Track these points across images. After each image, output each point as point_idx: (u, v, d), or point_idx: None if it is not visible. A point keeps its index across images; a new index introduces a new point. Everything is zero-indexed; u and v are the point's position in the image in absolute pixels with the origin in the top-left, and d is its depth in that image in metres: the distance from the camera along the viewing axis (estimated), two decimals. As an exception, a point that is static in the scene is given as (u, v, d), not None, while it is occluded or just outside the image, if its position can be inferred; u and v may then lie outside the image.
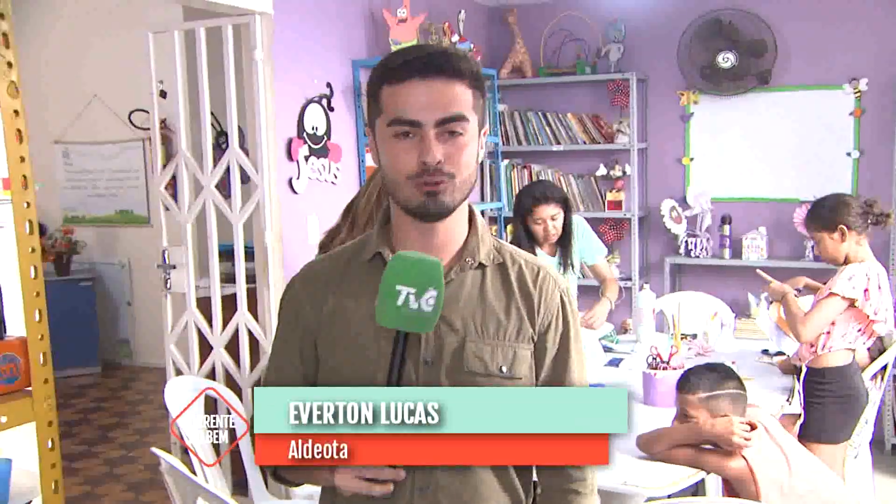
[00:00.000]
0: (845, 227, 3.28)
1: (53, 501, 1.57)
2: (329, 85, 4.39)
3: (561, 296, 1.55)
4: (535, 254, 3.91)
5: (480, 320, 1.46)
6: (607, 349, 4.06)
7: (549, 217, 3.80)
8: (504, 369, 1.46)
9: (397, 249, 1.47)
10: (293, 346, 1.54)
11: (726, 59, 5.17)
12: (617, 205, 5.63)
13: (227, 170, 3.97)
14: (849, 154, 5.13)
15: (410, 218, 1.45)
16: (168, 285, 4.20)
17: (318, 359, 1.52)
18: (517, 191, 5.69)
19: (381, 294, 1.31)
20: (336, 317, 1.49)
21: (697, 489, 2.81)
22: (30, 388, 1.62)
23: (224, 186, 4.06)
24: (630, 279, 5.62)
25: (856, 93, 5.07)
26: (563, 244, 3.94)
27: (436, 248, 1.47)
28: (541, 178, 5.74)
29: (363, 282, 1.49)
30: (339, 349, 1.48)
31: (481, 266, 1.50)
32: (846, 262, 3.31)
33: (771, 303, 3.78)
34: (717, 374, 2.68)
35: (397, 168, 1.39)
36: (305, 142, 4.22)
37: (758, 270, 3.61)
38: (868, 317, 3.26)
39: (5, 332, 1.65)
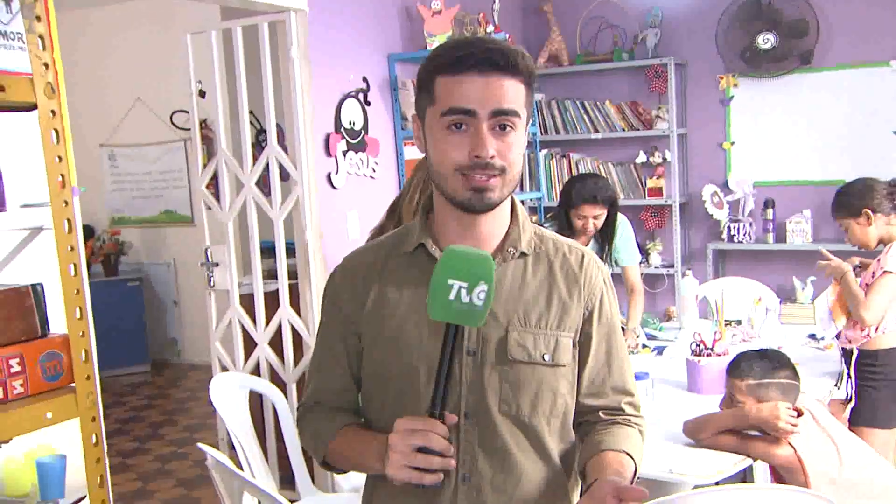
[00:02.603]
0: (870, 211, 3.23)
1: (99, 496, 1.60)
2: (365, 79, 4.40)
3: (604, 280, 1.56)
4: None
5: (523, 310, 1.47)
6: (651, 337, 4.03)
7: (592, 216, 3.80)
8: (546, 357, 1.46)
9: (440, 240, 1.48)
10: (336, 340, 1.55)
11: (766, 41, 5.08)
12: (657, 192, 5.57)
13: (267, 167, 4.00)
14: (895, 133, 5.02)
15: (455, 209, 1.44)
16: (211, 283, 4.25)
17: (360, 352, 1.53)
18: (556, 180, 5.68)
19: (432, 288, 1.30)
20: (379, 309, 1.49)
21: (745, 477, 2.77)
22: (73, 385, 1.65)
23: (265, 184, 4.09)
24: (672, 266, 5.56)
25: (901, 70, 4.96)
26: (602, 239, 3.93)
27: (479, 238, 1.47)
28: (580, 166, 5.71)
29: (406, 273, 1.49)
30: (383, 341, 1.48)
31: (523, 255, 1.51)
32: (881, 243, 3.25)
33: (815, 292, 3.71)
34: (768, 363, 2.63)
35: (447, 159, 1.39)
36: (343, 136, 4.24)
37: (822, 250, 3.54)
38: None
39: (49, 329, 1.68)
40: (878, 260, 3.25)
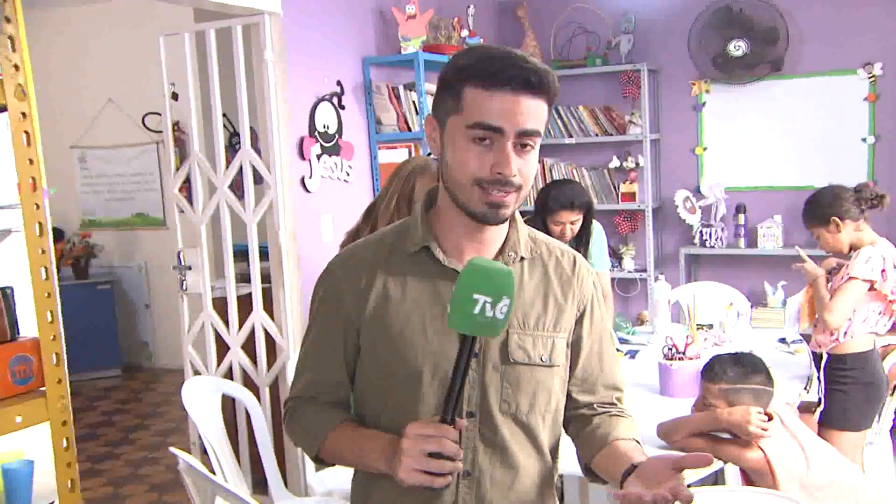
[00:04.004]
0: (838, 219, 3.28)
1: (70, 501, 1.58)
2: (339, 83, 4.40)
3: (593, 282, 1.62)
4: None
5: (522, 313, 1.50)
6: (623, 341, 4.06)
7: (569, 221, 3.81)
8: (544, 358, 1.51)
9: (444, 242, 1.50)
10: (334, 333, 1.54)
11: (738, 48, 5.14)
12: (630, 196, 5.61)
13: (240, 170, 3.99)
14: (864, 140, 5.09)
15: (463, 215, 1.45)
16: (184, 286, 4.22)
17: (358, 348, 1.53)
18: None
19: (456, 301, 1.30)
20: (382, 308, 1.49)
21: (717, 480, 2.80)
22: (43, 389, 1.63)
23: (238, 187, 4.07)
24: (645, 270, 5.60)
25: (870, 77, 5.03)
26: (577, 245, 3.95)
27: (483, 243, 1.50)
28: (553, 171, 5.73)
29: (410, 272, 1.50)
30: (386, 341, 1.48)
31: (521, 259, 1.54)
32: (852, 249, 3.30)
33: (786, 297, 3.75)
34: (742, 368, 2.65)
35: (468, 170, 1.39)
36: (317, 140, 4.23)
37: (797, 248, 3.58)
38: (887, 297, 3.24)
39: (18, 333, 1.67)
40: (847, 265, 3.29)
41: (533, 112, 1.38)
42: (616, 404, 1.63)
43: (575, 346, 1.59)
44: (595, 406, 1.61)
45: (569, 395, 1.61)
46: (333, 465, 1.59)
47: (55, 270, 1.56)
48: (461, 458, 1.34)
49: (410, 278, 1.50)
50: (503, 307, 1.30)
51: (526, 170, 1.40)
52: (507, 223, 1.53)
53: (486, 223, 1.45)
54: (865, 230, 3.32)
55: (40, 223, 1.49)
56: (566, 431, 1.64)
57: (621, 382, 1.66)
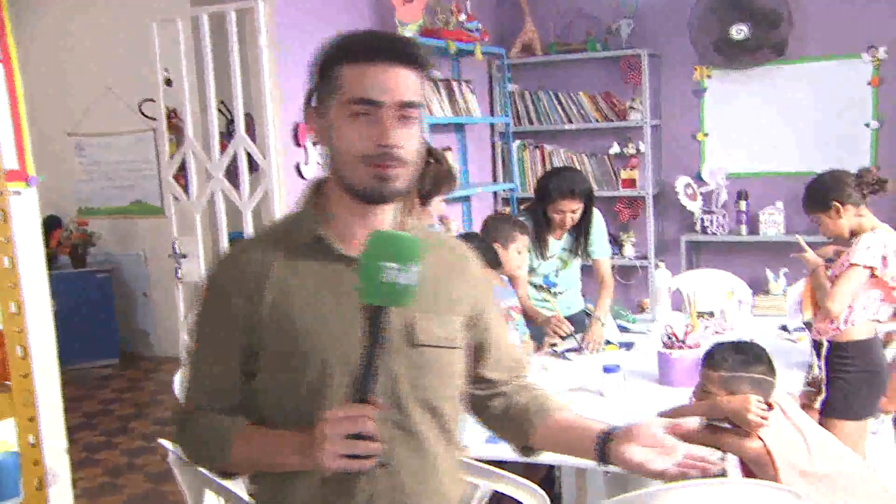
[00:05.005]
0: (839, 204, 3.24)
1: (37, 499, 1.53)
2: (336, 69, 4.34)
3: (481, 268, 1.68)
4: (544, 237, 3.89)
5: (422, 296, 1.45)
6: (623, 329, 4.01)
7: (570, 210, 3.79)
8: (446, 339, 1.52)
9: (335, 231, 1.48)
10: (225, 337, 1.48)
11: (740, 31, 5.07)
12: (631, 183, 5.56)
13: (236, 157, 3.94)
14: (867, 125, 5.03)
15: (354, 199, 1.45)
16: (179, 275, 4.18)
17: (254, 349, 1.47)
18: (529, 171, 5.65)
19: (363, 272, 1.30)
20: (281, 305, 1.45)
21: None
22: (9, 383, 1.57)
23: (234, 174, 4.03)
24: (646, 258, 5.55)
25: (874, 61, 4.97)
26: (578, 233, 3.93)
27: (376, 227, 1.47)
28: (553, 157, 5.68)
29: (305, 266, 1.47)
30: (290, 338, 1.44)
31: None
32: (853, 234, 3.26)
33: (788, 284, 3.71)
34: (743, 356, 2.60)
35: (352, 147, 1.40)
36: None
37: (797, 237, 3.54)
38: (888, 284, 3.20)
39: (-14, 326, 1.61)
40: (847, 252, 3.25)
41: (408, 83, 1.41)
42: (525, 377, 1.72)
43: (479, 327, 1.62)
44: (510, 382, 1.69)
45: (482, 378, 1.66)
46: (236, 474, 1.54)
47: (27, 259, 1.51)
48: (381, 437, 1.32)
49: (306, 271, 1.47)
50: (412, 273, 1.30)
51: (410, 142, 1.41)
52: (399, 212, 1.52)
53: (375, 200, 1.44)
54: (867, 216, 3.28)
55: (3, 211, 1.44)
56: (479, 416, 1.70)
57: (523, 358, 1.77)
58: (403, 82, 1.40)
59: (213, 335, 1.51)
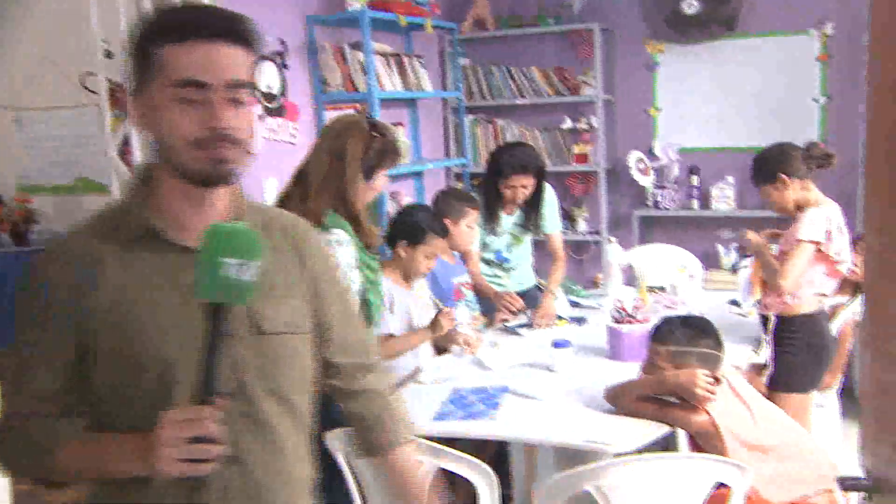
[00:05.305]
0: (786, 176, 3.25)
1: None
2: (283, 41, 4.25)
3: (321, 245, 1.63)
4: (496, 212, 3.86)
5: (265, 280, 1.38)
6: (574, 304, 4.01)
7: (521, 185, 3.78)
8: (293, 325, 1.47)
9: (167, 220, 1.39)
10: (52, 338, 1.37)
11: (691, 6, 5.05)
12: (583, 158, 5.55)
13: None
14: (816, 100, 5.06)
15: (185, 184, 1.36)
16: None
17: (85, 350, 1.37)
18: (482, 146, 5.61)
19: (203, 267, 1.24)
20: (117, 302, 1.35)
21: (668, 444, 2.76)
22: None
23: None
24: (599, 233, 5.55)
25: (822, 37, 4.99)
26: (530, 209, 3.91)
27: (210, 213, 1.41)
28: (506, 132, 5.65)
29: (138, 258, 1.38)
30: (126, 336, 1.35)
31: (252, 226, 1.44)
32: (798, 208, 3.27)
33: (744, 255, 3.73)
34: (690, 331, 2.61)
35: (179, 133, 1.31)
36: (259, 101, 4.08)
37: (742, 232, 3.55)
38: (831, 259, 3.22)
39: None
40: (792, 228, 3.26)
41: (235, 61, 1.32)
42: (375, 366, 1.69)
43: (322, 308, 1.56)
44: (359, 374, 1.66)
45: (329, 363, 1.62)
46: (65, 484, 1.48)
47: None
48: (225, 439, 1.26)
49: (141, 263, 1.38)
50: (253, 268, 1.25)
51: (242, 123, 1.34)
52: (231, 195, 1.44)
53: (211, 184, 1.36)
54: (812, 190, 3.30)
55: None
56: (338, 400, 1.67)
57: (371, 339, 1.71)
58: (231, 61, 1.31)
59: (37, 335, 1.39)
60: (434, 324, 3.15)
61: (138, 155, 4.00)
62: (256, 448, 1.42)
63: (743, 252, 3.68)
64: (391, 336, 3.12)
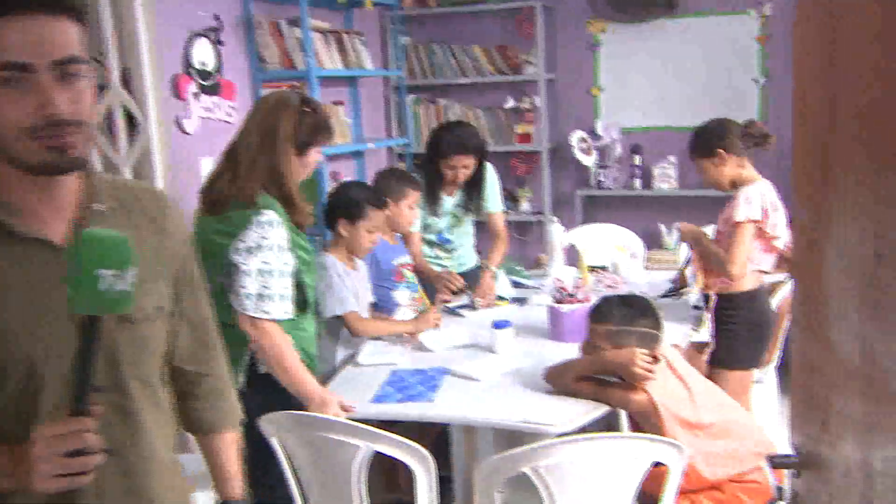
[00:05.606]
0: (723, 151, 3.26)
1: None
2: (217, 17, 4.13)
3: (183, 223, 1.54)
4: (437, 193, 3.82)
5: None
6: (517, 284, 3.99)
7: (462, 166, 3.74)
8: (155, 308, 1.41)
9: (14, 210, 1.27)
10: None
11: (632, -16, 5.05)
12: (526, 138, 5.53)
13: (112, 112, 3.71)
14: (755, 80, 5.10)
15: (26, 174, 1.25)
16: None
17: None
18: (424, 126, 5.55)
19: (77, 281, 1.16)
20: None
21: (610, 424, 2.76)
22: None
23: (112, 129, 3.80)
24: (542, 213, 5.55)
25: (761, 18, 5.02)
26: (471, 189, 3.88)
27: (61, 199, 1.31)
28: (448, 112, 5.60)
29: None
30: None
31: (112, 209, 1.38)
32: (733, 185, 3.29)
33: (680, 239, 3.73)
34: (629, 310, 2.60)
35: (7, 122, 1.18)
36: (193, 78, 3.98)
37: (677, 225, 3.56)
38: (768, 234, 3.24)
39: None
40: (727, 211, 3.27)
41: (61, 34, 1.19)
42: (214, 348, 1.63)
43: (182, 290, 1.51)
44: (202, 378, 1.61)
45: (176, 368, 1.56)
46: None
47: None
48: (102, 447, 1.21)
49: None
50: (130, 277, 1.19)
51: (80, 103, 1.22)
52: (81, 177, 1.35)
53: (56, 173, 1.26)
54: (748, 168, 3.31)
55: None
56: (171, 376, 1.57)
57: (213, 326, 1.63)
58: (57, 36, 1.18)
59: None
60: (420, 320, 3.22)
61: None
62: (131, 440, 1.37)
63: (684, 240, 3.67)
64: (362, 317, 3.09)
